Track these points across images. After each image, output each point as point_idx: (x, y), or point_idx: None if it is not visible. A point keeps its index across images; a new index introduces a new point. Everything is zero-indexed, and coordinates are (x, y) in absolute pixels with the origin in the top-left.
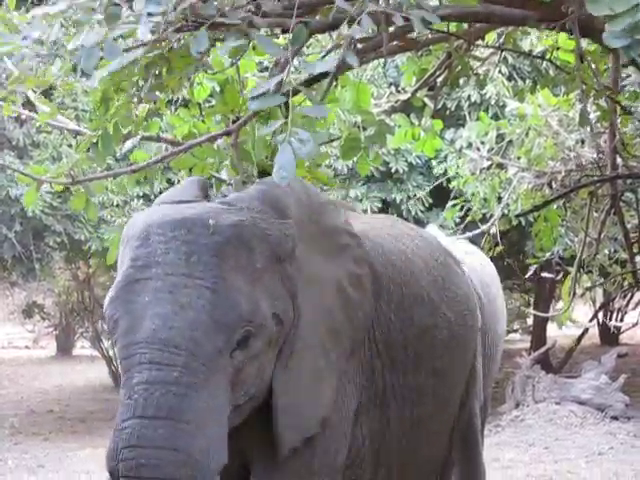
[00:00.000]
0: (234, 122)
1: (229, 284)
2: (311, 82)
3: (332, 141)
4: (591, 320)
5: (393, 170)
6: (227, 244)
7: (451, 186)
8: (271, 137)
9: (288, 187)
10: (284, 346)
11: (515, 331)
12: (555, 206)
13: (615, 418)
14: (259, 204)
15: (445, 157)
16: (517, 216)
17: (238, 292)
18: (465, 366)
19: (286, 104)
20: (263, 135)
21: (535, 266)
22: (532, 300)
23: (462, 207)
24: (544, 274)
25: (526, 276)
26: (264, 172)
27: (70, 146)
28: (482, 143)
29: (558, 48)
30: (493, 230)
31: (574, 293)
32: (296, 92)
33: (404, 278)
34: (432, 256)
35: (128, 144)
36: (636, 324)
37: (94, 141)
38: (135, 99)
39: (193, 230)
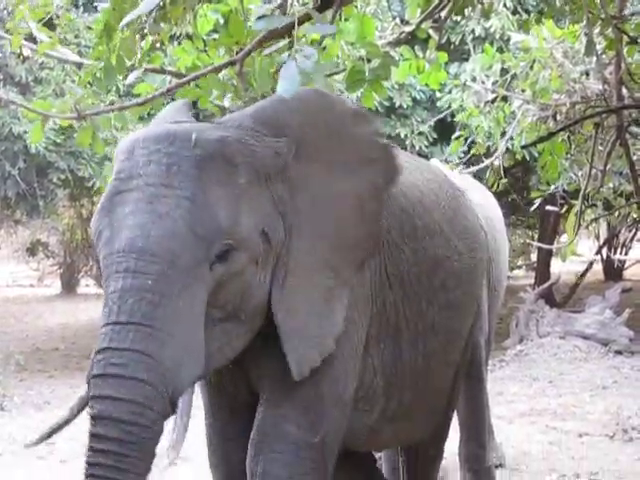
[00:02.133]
0: (238, 53)
1: (209, 196)
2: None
3: (336, 73)
4: (596, 253)
5: (397, 105)
6: (209, 158)
7: (455, 120)
8: (275, 68)
9: (298, 103)
10: (277, 268)
11: (519, 267)
12: (560, 139)
13: (619, 352)
14: (251, 122)
15: (449, 91)
16: (522, 147)
17: (217, 205)
18: (474, 299)
19: (289, 34)
20: (266, 66)
21: (539, 200)
22: (536, 236)
23: (466, 140)
24: (548, 207)
25: (530, 210)
26: None
27: (73, 82)
28: (486, 77)
29: None
30: (497, 163)
31: (578, 226)
32: (301, 22)
33: (416, 210)
34: (442, 189)
35: (132, 76)
36: None
37: (96, 72)
38: (139, 32)
39: (175, 143)
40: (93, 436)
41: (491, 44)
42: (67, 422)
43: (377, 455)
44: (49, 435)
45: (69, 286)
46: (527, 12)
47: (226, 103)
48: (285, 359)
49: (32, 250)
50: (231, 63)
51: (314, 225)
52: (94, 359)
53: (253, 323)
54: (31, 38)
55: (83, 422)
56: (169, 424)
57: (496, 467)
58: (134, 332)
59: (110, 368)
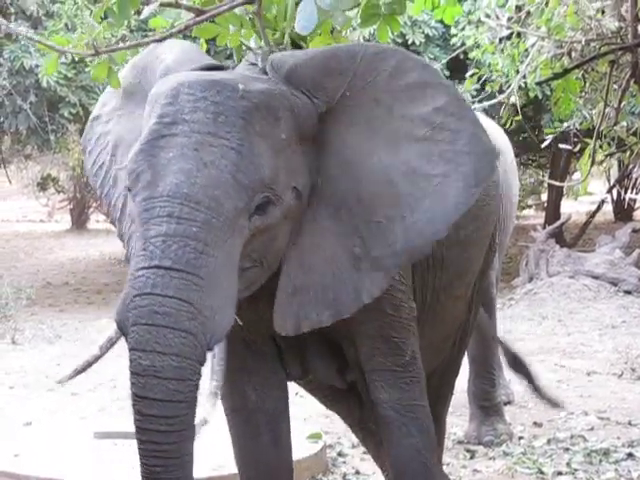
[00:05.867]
0: None
1: (253, 148)
2: None
3: (353, 7)
4: (608, 192)
5: (410, 42)
6: (255, 109)
7: (470, 57)
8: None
9: (350, 63)
10: (295, 225)
11: (529, 207)
12: (574, 77)
13: (628, 292)
14: (289, 78)
15: (463, 28)
16: (537, 84)
17: (261, 157)
18: (486, 236)
19: None
20: (287, 5)
21: (551, 137)
22: (546, 176)
23: (479, 78)
24: (561, 145)
25: (542, 146)
26: (293, 42)
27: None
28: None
29: None
30: (512, 100)
31: (592, 163)
32: None
33: None
34: None
35: (146, 11)
36: None
37: (110, 6)
38: None
39: (223, 92)
40: (140, 398)
41: None
42: (96, 359)
43: None
44: (80, 372)
45: (79, 221)
46: None
47: (252, 43)
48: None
49: (42, 185)
50: (250, 2)
51: (341, 191)
52: (133, 302)
53: (271, 269)
54: None
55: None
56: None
57: (505, 404)
58: (178, 279)
59: (154, 317)
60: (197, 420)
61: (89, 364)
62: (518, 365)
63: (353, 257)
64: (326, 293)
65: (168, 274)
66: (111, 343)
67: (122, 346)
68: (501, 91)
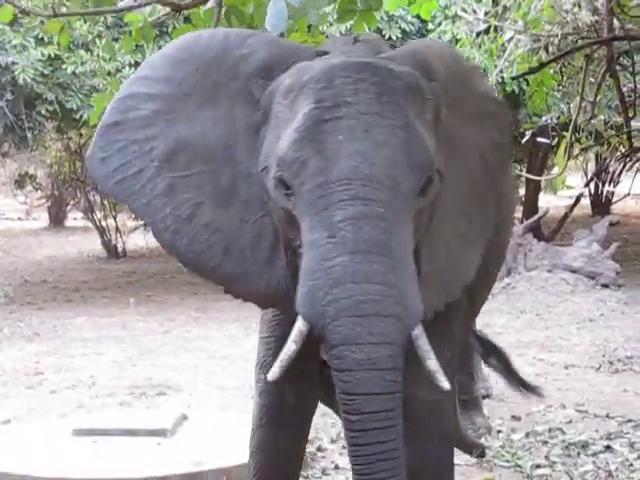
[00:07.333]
0: None
1: (417, 126)
2: None
3: (327, 5)
4: (586, 185)
5: (387, 37)
6: (409, 90)
7: None
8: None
9: (440, 51)
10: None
11: None
12: (551, 71)
13: (606, 286)
14: (413, 64)
15: (439, 23)
16: (513, 78)
17: (424, 135)
18: (509, 233)
19: None
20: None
21: (530, 132)
22: (524, 170)
23: None
24: (539, 139)
25: (522, 142)
26: None
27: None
28: (478, 7)
29: None
30: None
31: (569, 156)
32: None
33: None
34: None
35: (122, 4)
36: (628, 195)
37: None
38: None
39: (379, 73)
40: (356, 395)
41: None
42: (294, 353)
43: None
44: (286, 367)
45: (57, 219)
46: None
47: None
48: None
49: (20, 183)
50: None
51: (453, 172)
52: (332, 295)
53: None
54: None
55: (72, 352)
56: None
57: (483, 397)
58: (377, 262)
59: (361, 307)
60: (177, 416)
61: (291, 359)
62: (497, 355)
63: (460, 236)
64: (444, 278)
65: (367, 259)
66: (303, 335)
67: (102, 344)
68: None
